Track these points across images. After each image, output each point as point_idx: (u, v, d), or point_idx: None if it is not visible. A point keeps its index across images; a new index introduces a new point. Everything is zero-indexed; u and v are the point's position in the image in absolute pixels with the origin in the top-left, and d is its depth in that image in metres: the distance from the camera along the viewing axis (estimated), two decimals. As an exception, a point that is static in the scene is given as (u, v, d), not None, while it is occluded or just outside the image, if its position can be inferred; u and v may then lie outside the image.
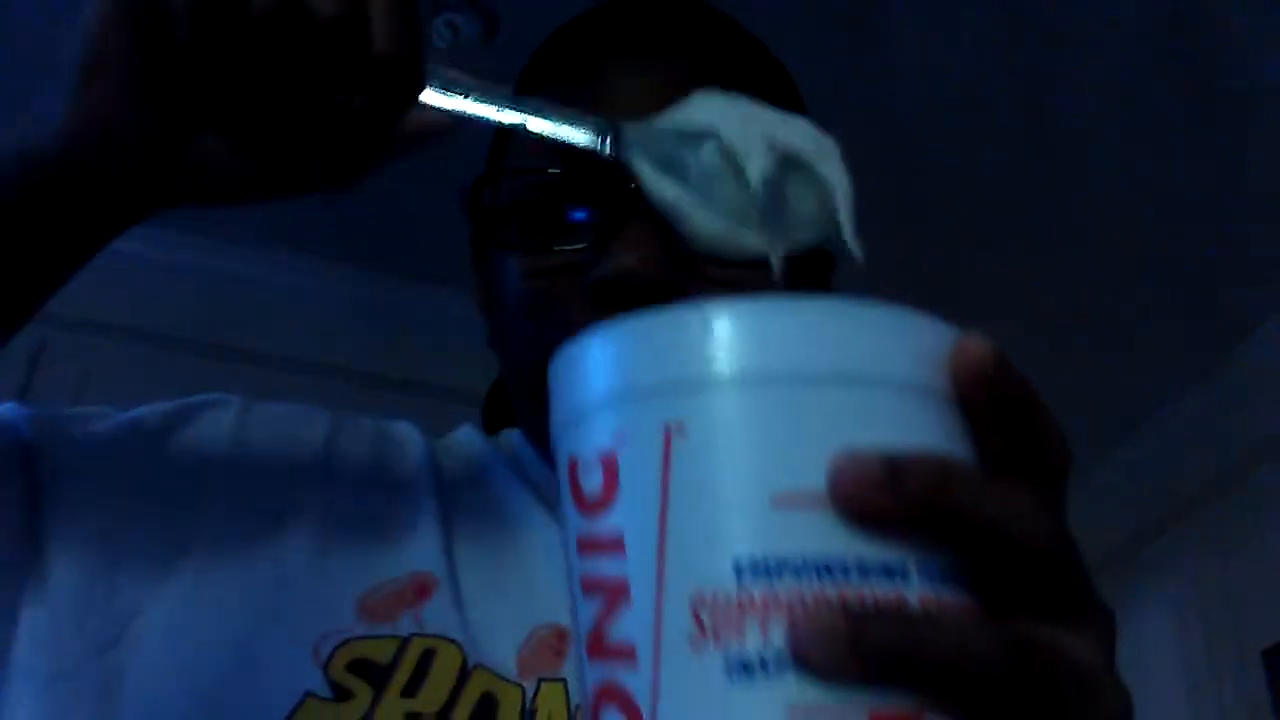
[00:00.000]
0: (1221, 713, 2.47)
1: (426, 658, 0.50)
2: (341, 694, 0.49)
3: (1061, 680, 0.30)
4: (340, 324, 2.40)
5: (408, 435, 0.63)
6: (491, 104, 0.48)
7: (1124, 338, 2.54)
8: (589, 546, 0.29)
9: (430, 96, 0.47)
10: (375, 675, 0.49)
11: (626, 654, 0.28)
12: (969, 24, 1.87)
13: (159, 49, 0.41)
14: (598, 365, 0.30)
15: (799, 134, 0.43)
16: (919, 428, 0.29)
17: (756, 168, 0.40)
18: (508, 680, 0.51)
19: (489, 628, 0.53)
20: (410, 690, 0.49)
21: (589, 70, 0.59)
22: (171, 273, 2.43)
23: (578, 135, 0.44)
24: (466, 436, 0.66)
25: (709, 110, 0.44)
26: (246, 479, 0.56)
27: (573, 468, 0.30)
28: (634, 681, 0.27)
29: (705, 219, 0.42)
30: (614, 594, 0.28)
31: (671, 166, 0.40)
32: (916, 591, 0.28)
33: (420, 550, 0.55)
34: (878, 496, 0.27)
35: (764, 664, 0.26)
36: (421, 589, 0.53)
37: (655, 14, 0.61)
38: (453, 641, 0.51)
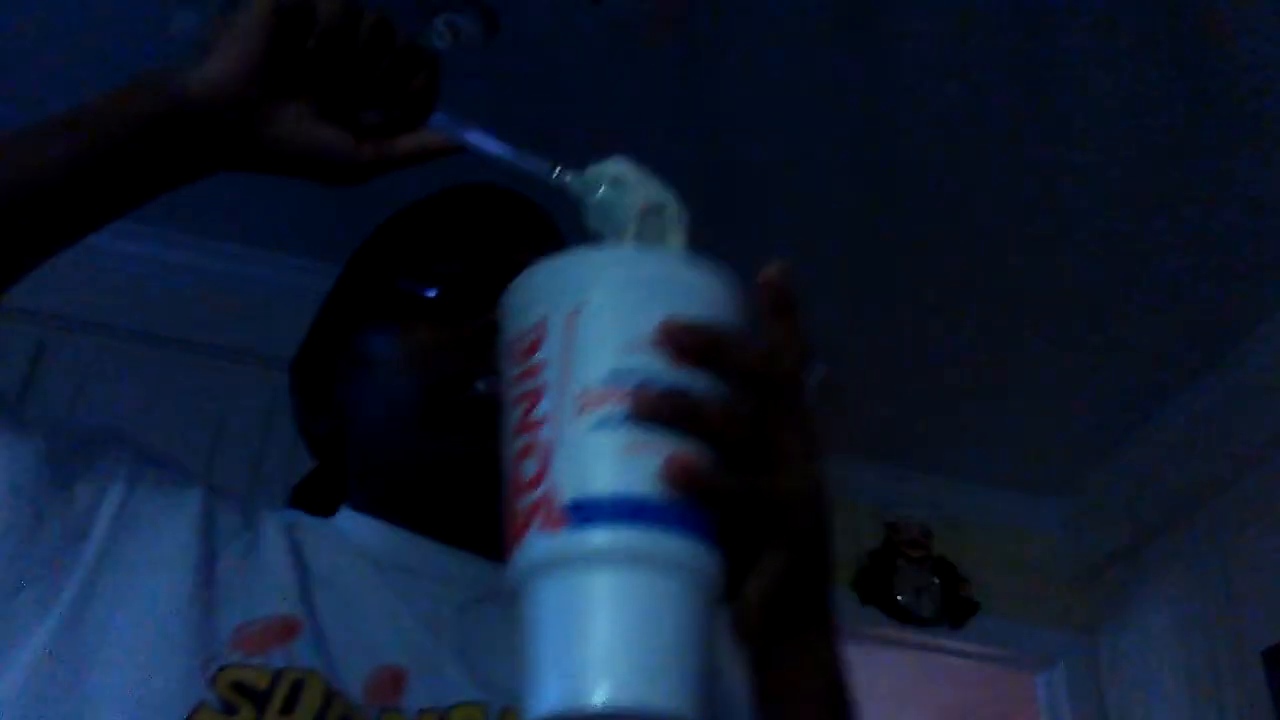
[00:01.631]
0: (1221, 713, 2.48)
1: (298, 686, 0.62)
2: (229, 708, 0.60)
3: (779, 455, 0.52)
4: (340, 324, 2.40)
5: (261, 510, 0.75)
6: (483, 138, 0.67)
7: (1124, 338, 2.54)
8: (522, 376, 0.52)
9: (437, 122, 0.68)
10: (256, 698, 0.61)
11: (542, 422, 0.50)
12: (968, 24, 1.87)
13: (287, 46, 0.63)
14: (534, 282, 0.53)
15: (667, 191, 0.64)
16: (713, 313, 0.52)
17: (638, 213, 0.63)
18: (358, 707, 0.63)
19: (343, 664, 0.65)
20: (286, 709, 0.61)
21: (449, 230, 0.82)
22: (171, 273, 2.44)
23: (541, 167, 0.66)
24: (293, 516, 0.77)
25: (617, 163, 0.65)
26: (131, 522, 0.67)
27: (516, 337, 0.53)
28: (546, 434, 0.50)
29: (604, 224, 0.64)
30: (536, 395, 0.51)
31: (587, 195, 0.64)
32: None
33: (284, 594, 0.67)
34: (678, 339, 0.50)
35: (612, 421, 0.49)
36: (288, 629, 0.65)
37: (490, 196, 0.84)
38: (317, 673, 0.63)
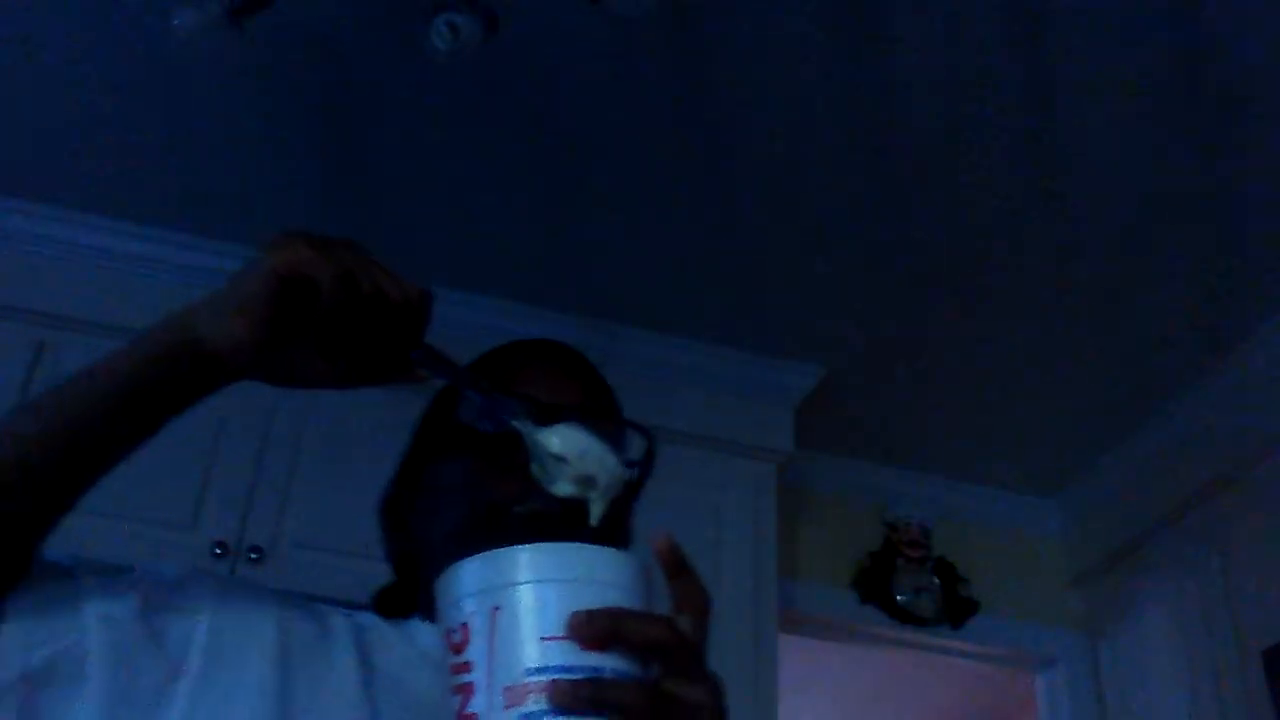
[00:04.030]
0: (1221, 713, 2.48)
1: None
2: None
3: (683, 709, 0.62)
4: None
5: (335, 616, 0.86)
6: (457, 374, 0.78)
7: (1124, 337, 2.54)
8: (456, 669, 0.61)
9: (419, 356, 0.76)
10: None
11: (473, 717, 0.59)
12: (969, 25, 1.87)
13: (292, 309, 0.72)
14: (460, 579, 0.62)
15: (604, 466, 0.77)
16: (617, 597, 0.61)
17: (569, 480, 0.77)
18: None
19: None
20: None
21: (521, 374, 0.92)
22: (171, 273, 2.44)
23: (504, 407, 0.78)
24: (367, 619, 0.89)
25: (564, 438, 0.78)
26: (218, 653, 0.77)
27: (449, 632, 0.62)
28: None
29: (551, 479, 0.78)
30: (468, 690, 0.59)
31: (535, 446, 0.77)
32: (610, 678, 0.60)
33: (352, 702, 0.79)
34: (583, 630, 0.59)
35: (535, 714, 0.57)
36: None
37: (559, 349, 0.98)
38: None
